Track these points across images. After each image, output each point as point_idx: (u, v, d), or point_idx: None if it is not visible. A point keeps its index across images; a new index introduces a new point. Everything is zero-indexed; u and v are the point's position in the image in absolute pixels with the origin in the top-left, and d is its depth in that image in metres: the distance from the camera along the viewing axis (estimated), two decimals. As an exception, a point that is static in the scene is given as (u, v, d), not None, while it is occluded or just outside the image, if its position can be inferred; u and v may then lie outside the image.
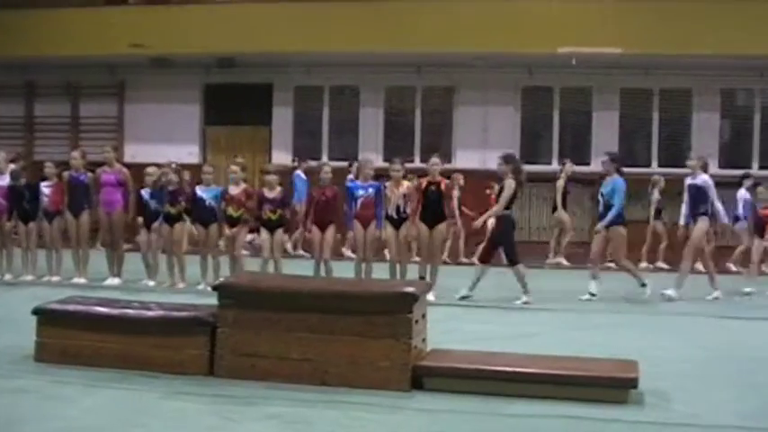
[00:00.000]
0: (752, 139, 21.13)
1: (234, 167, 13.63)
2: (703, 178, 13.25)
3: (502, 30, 19.27)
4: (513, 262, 12.49)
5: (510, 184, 12.47)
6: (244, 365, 7.53)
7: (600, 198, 13.12)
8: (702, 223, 13.18)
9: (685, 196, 13.54)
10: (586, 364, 7.64)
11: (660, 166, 20.69)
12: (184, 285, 13.34)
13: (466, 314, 11.65)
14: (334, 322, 7.38)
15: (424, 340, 7.77)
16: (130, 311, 8.11)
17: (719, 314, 11.91)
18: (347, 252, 16.28)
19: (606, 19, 19.27)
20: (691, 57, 19.15)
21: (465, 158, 20.64)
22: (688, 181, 13.46)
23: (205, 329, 7.70)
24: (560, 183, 17.60)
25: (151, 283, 13.50)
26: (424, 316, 7.76)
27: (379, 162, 16.75)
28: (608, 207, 12.84)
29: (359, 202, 12.85)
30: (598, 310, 12.15)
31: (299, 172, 18.34)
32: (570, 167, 17.77)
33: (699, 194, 13.22)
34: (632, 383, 7.12)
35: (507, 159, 12.83)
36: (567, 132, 21.74)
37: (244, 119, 22.29)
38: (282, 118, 22.36)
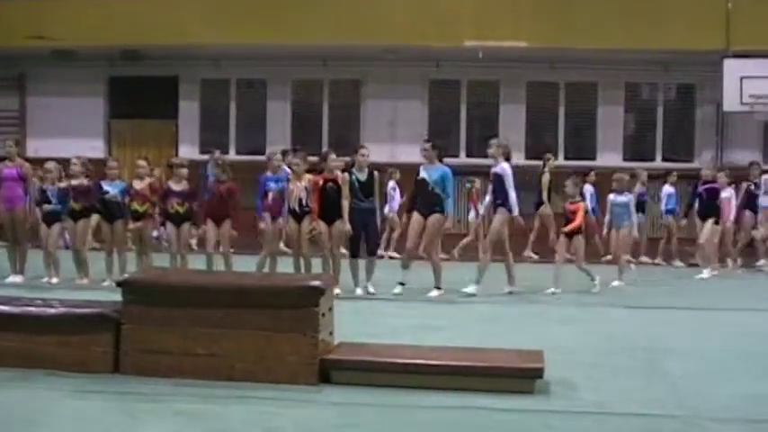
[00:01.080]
0: (655, 132, 21.51)
1: (141, 162, 13.47)
2: (503, 167, 12.91)
3: (409, 23, 19.32)
4: None
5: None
6: (149, 362, 7.42)
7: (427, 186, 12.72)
8: (501, 214, 12.86)
9: (489, 185, 13.47)
10: (493, 355, 7.71)
11: (566, 158, 20.94)
12: (88, 282, 13.11)
13: (375, 307, 11.68)
14: (240, 317, 7.31)
15: (331, 334, 7.75)
16: (32, 309, 7.92)
17: (622, 304, 12.13)
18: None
19: (512, 13, 19.44)
20: (596, 51, 19.40)
21: (374, 152, 20.43)
22: (492, 169, 13.16)
23: (110, 326, 7.57)
24: (546, 178, 17.79)
25: (54, 281, 13.24)
26: (330, 309, 7.75)
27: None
28: (434, 195, 12.56)
29: (270, 195, 12.81)
30: (504, 303, 12.28)
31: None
32: (553, 162, 18.05)
33: (498, 183, 12.93)
34: (538, 373, 7.19)
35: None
36: (475, 125, 21.89)
37: (149, 112, 21.98)
38: (189, 111, 22.12)
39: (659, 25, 18.92)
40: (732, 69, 19.04)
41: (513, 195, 12.76)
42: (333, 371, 7.34)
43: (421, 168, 12.63)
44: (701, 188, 16.12)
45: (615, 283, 13.89)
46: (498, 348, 8.06)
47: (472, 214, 17.35)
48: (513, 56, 20.03)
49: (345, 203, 12.50)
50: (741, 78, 18.96)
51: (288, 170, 13.40)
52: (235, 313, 7.32)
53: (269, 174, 13.16)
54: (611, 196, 14.13)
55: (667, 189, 17.49)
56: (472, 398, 6.86)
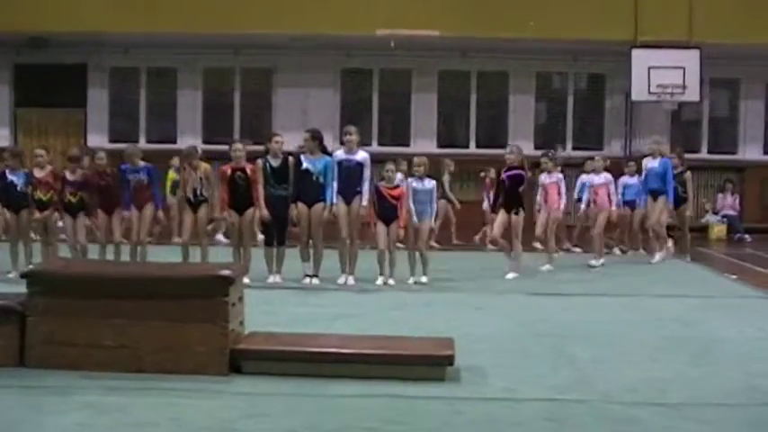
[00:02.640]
0: (565, 121, 21.78)
1: (39, 151, 13.23)
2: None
3: (320, 11, 19.27)
4: None
5: None
6: (56, 354, 7.28)
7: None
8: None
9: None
10: (404, 342, 7.73)
11: (478, 147, 21.12)
12: None
13: (286, 297, 11.62)
14: (148, 308, 7.22)
15: (241, 323, 7.70)
16: (-67, 302, 7.74)
17: (530, 291, 12.24)
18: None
19: (424, 1, 19.48)
20: (507, 40, 19.56)
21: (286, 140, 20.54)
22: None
23: (14, 318, 7.41)
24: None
25: None
26: (241, 299, 7.70)
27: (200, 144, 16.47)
28: (317, 184, 12.55)
29: (131, 185, 12.94)
30: (415, 290, 12.30)
31: None
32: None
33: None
34: (449, 361, 7.22)
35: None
36: (387, 114, 21.94)
37: (57, 100, 21.62)
38: (98, 100, 21.83)
39: (569, 15, 19.14)
40: (640, 59, 19.36)
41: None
42: (243, 361, 7.29)
43: (303, 159, 12.64)
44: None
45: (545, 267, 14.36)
46: (409, 336, 8.09)
47: (486, 203, 17.17)
48: (425, 45, 20.10)
49: (261, 190, 12.49)
50: (649, 68, 19.29)
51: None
52: (143, 304, 7.23)
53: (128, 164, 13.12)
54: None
55: (626, 179, 16.79)
56: (383, 386, 6.87)
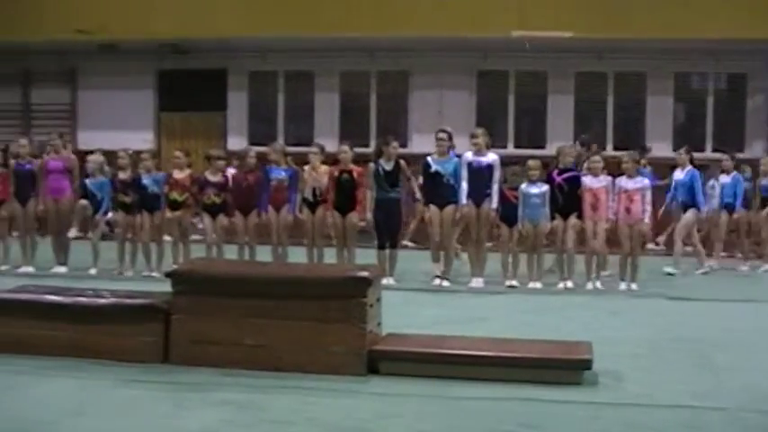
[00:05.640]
0: (705, 122, 21.29)
1: (178, 153, 13.58)
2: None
3: (456, 14, 19.25)
4: None
5: None
6: (198, 352, 7.48)
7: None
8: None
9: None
10: (541, 346, 7.68)
11: (615, 149, 20.79)
12: (132, 273, 13.24)
13: (422, 298, 11.67)
14: (288, 308, 7.35)
15: (379, 324, 7.76)
16: (83, 299, 8.03)
17: (667, 295, 12.03)
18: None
19: (559, 3, 19.30)
20: (644, 40, 19.23)
21: (421, 142, 20.59)
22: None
23: (159, 317, 7.65)
24: None
25: (92, 271, 13.36)
26: (378, 300, 7.76)
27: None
28: (448, 186, 12.60)
29: (272, 185, 13.08)
30: (550, 293, 12.20)
31: None
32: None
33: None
34: (586, 365, 7.16)
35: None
36: (523, 116, 21.80)
37: (198, 105, 22.11)
38: (237, 103, 22.23)
39: (709, 14, 18.70)
40: (784, 58, 18.82)
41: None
42: (381, 362, 7.35)
43: (431, 161, 12.65)
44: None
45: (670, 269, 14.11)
46: (545, 339, 8.04)
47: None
48: (560, 46, 19.91)
49: (368, 193, 12.59)
50: (793, 67, 18.74)
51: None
52: (283, 304, 7.36)
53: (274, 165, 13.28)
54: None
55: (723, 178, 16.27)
56: (519, 389, 6.85)
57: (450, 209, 12.53)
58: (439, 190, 12.58)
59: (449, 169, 12.52)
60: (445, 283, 12.60)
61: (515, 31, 19.14)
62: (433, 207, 12.62)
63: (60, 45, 21.24)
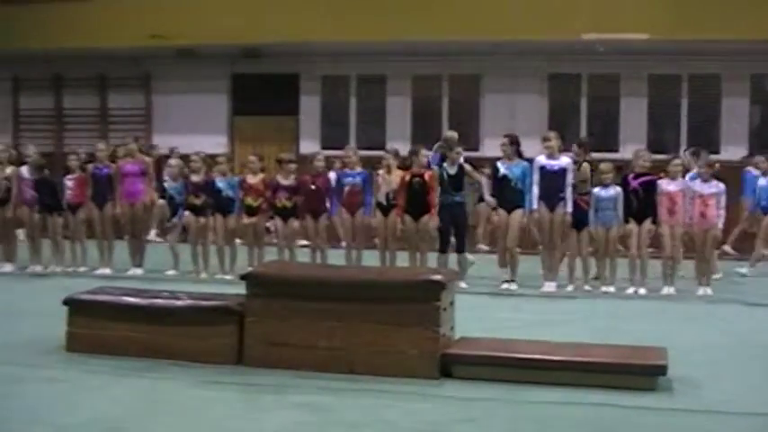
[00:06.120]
0: (782, 124, 20.97)
1: (252, 158, 13.69)
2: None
3: (527, 16, 19.17)
4: None
5: None
6: (271, 354, 7.56)
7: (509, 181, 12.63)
8: None
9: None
10: (614, 350, 7.62)
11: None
12: (206, 275, 13.38)
13: (493, 302, 11.65)
14: (361, 310, 7.39)
15: (452, 328, 7.77)
16: (159, 301, 8.17)
17: (743, 300, 11.85)
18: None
19: (632, 4, 19.13)
20: (719, 42, 18.97)
21: (493, 146, 20.48)
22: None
23: (233, 319, 7.75)
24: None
25: (170, 272, 13.55)
26: (452, 304, 7.76)
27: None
28: (516, 190, 12.52)
29: (345, 189, 13.07)
30: (623, 298, 12.08)
31: None
32: None
33: None
34: (661, 370, 7.09)
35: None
36: (595, 119, 21.63)
37: (271, 109, 22.28)
38: (310, 107, 22.35)
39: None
40: None
41: None
42: (454, 365, 7.36)
43: (500, 165, 12.61)
44: None
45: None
46: (619, 344, 7.97)
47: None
48: (633, 48, 19.72)
49: (434, 197, 12.60)
50: None
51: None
52: (356, 307, 7.40)
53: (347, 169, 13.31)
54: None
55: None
56: (593, 394, 6.81)
57: (517, 213, 12.49)
58: (506, 194, 12.56)
59: (516, 173, 12.49)
60: (513, 287, 12.55)
61: (587, 34, 19.02)
62: (501, 211, 12.61)
63: (136, 51, 21.56)
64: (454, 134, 15.16)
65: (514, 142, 12.72)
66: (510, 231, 12.53)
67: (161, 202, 13.74)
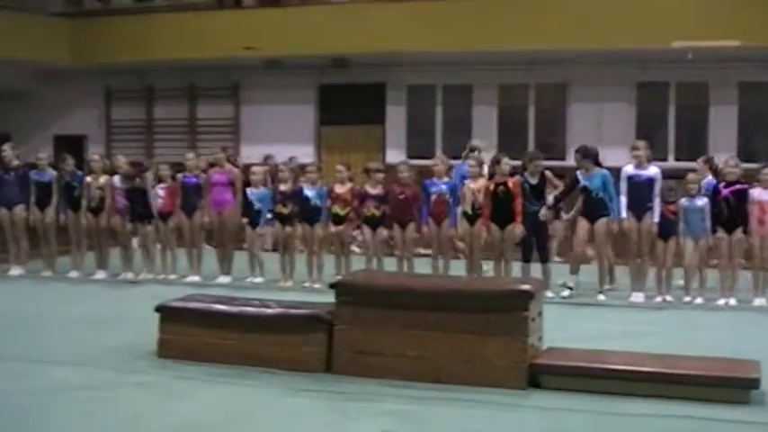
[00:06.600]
0: None
1: (340, 167, 13.75)
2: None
3: (615, 25, 19.03)
4: None
5: None
6: (360, 363, 7.61)
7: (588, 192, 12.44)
8: None
9: None
10: (705, 362, 7.51)
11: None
12: (292, 284, 13.47)
13: (581, 312, 11.54)
14: (449, 320, 7.41)
15: (540, 338, 7.75)
16: (250, 309, 8.28)
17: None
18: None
19: (722, 11, 18.86)
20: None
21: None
22: None
23: (323, 327, 7.81)
24: None
25: (257, 280, 13.68)
26: (540, 314, 7.74)
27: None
28: (597, 200, 12.31)
29: (432, 199, 13.00)
30: (712, 309, 11.89)
31: None
32: None
33: None
34: (754, 383, 6.98)
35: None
36: (684, 128, 21.37)
37: (357, 118, 22.45)
38: (396, 117, 22.47)
39: None
40: None
41: None
42: (542, 376, 7.34)
43: (580, 176, 12.50)
44: None
45: None
46: (710, 356, 7.86)
47: None
48: (723, 56, 19.45)
49: (519, 204, 12.54)
50: None
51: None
52: (444, 316, 7.42)
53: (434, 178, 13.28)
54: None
55: None
56: (683, 406, 6.73)
57: (602, 222, 12.38)
58: (588, 204, 12.46)
59: (596, 184, 12.37)
60: (601, 297, 12.42)
61: (677, 42, 18.81)
62: (581, 221, 12.52)
63: (225, 61, 21.91)
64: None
65: (586, 155, 12.60)
66: (597, 240, 12.43)
67: (243, 220, 13.87)
